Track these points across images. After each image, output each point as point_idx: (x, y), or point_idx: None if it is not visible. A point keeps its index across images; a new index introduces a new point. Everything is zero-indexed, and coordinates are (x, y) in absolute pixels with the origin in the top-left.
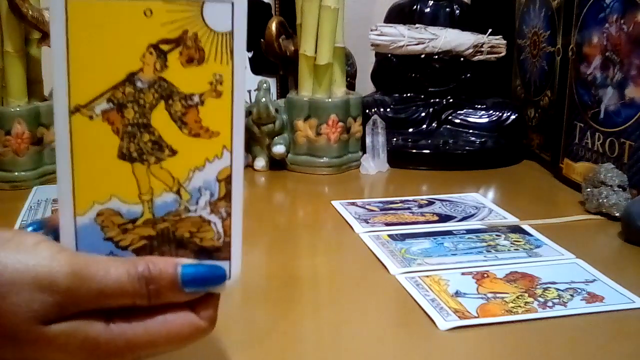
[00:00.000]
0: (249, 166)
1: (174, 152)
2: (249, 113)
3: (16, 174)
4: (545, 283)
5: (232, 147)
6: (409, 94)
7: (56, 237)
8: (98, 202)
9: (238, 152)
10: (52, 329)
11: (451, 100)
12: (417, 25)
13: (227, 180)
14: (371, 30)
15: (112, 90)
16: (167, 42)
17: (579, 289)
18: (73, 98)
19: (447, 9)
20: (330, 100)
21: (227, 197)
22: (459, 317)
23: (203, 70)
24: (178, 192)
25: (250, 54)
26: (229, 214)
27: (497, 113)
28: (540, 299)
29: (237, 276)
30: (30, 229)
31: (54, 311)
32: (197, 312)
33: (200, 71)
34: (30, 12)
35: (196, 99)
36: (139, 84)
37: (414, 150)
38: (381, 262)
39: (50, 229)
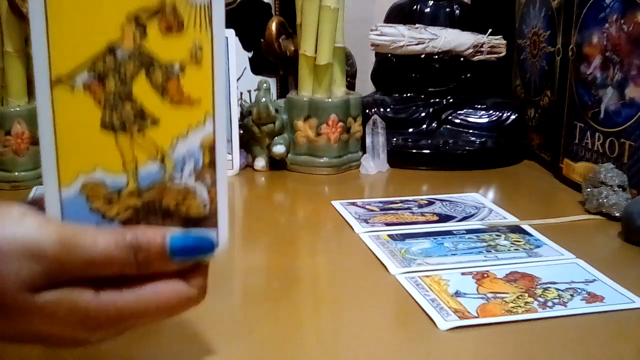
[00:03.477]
0: (249, 166)
1: (156, 121)
2: (249, 113)
3: (16, 174)
4: (545, 283)
5: (215, 115)
6: (409, 94)
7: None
8: (82, 173)
9: (220, 119)
10: (40, 297)
11: (451, 100)
12: (417, 25)
13: (211, 148)
14: (371, 30)
15: (92, 61)
16: (146, 11)
17: (579, 289)
18: (54, 70)
19: (447, 9)
20: (330, 100)
21: (212, 164)
22: (459, 317)
23: (182, 39)
24: (162, 161)
25: (250, 54)
26: (214, 182)
27: (497, 113)
28: (540, 299)
29: (224, 244)
30: None
31: (42, 280)
32: (187, 280)
33: (179, 40)
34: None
35: (176, 67)
36: (119, 54)
37: (414, 150)
38: (381, 262)
39: (38, 207)
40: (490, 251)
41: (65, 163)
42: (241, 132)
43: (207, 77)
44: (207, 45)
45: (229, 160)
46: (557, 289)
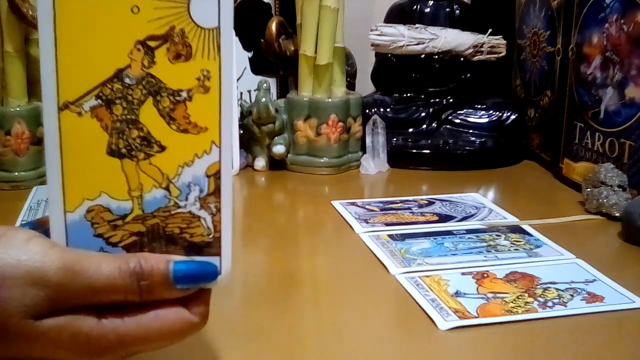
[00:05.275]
0: (249, 166)
1: (162, 148)
2: (249, 113)
3: (16, 174)
4: (545, 283)
5: (221, 143)
6: (409, 94)
7: (49, 236)
8: (88, 198)
9: (227, 147)
10: (43, 323)
11: (451, 100)
12: (417, 25)
13: (216, 176)
14: (371, 30)
15: (100, 87)
16: (155, 39)
17: (579, 289)
18: (61, 95)
19: (447, 9)
20: (330, 100)
21: (217, 192)
22: (459, 317)
23: (190, 66)
24: (167, 188)
25: (250, 54)
26: (218, 210)
27: (497, 113)
28: (540, 299)
29: (227, 272)
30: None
31: (45, 306)
32: (189, 308)
33: (187, 67)
34: (30, 12)
35: (184, 94)
36: (127, 80)
37: (414, 150)
38: (381, 262)
39: (44, 229)
40: (490, 251)
41: (70, 188)
42: (241, 132)
43: (214, 105)
44: (215, 73)
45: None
46: (557, 289)
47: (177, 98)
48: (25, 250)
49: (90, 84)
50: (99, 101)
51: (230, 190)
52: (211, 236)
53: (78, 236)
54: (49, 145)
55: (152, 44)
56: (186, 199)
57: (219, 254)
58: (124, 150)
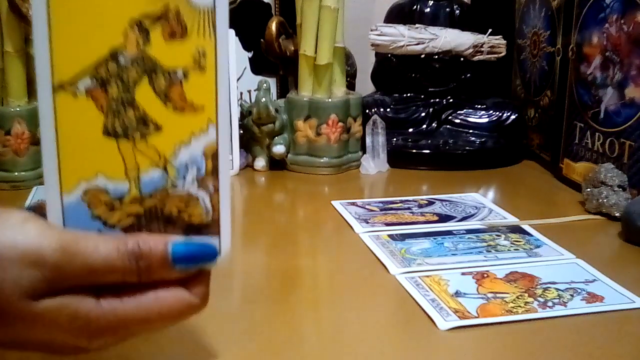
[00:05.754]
0: (249, 166)
1: (159, 128)
2: (249, 113)
3: (16, 174)
4: (545, 283)
5: (218, 121)
6: (409, 94)
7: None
8: (84, 179)
9: (223, 126)
10: (41, 304)
11: (451, 100)
12: (417, 25)
13: (214, 155)
14: (371, 30)
15: (95, 67)
16: (149, 17)
17: (579, 289)
18: (56, 75)
19: (447, 9)
20: (330, 100)
21: (214, 172)
22: (459, 317)
23: (186, 45)
24: (165, 168)
25: (250, 54)
26: (216, 189)
27: (497, 113)
28: (540, 299)
29: (227, 252)
30: None
31: (42, 287)
32: (189, 288)
33: (183, 46)
34: (31, 12)
35: (180, 73)
36: (122, 60)
37: (414, 150)
38: (381, 262)
39: (41, 213)
40: (490, 251)
41: (67, 169)
42: (241, 132)
43: (210, 84)
44: (211, 52)
45: (229, 160)
46: (557, 289)
47: (173, 77)
48: (22, 231)
49: (84, 64)
50: (94, 81)
51: (228, 169)
52: (210, 216)
53: (75, 218)
54: (44, 127)
55: (147, 22)
56: (184, 179)
57: (217, 234)
58: (120, 131)
